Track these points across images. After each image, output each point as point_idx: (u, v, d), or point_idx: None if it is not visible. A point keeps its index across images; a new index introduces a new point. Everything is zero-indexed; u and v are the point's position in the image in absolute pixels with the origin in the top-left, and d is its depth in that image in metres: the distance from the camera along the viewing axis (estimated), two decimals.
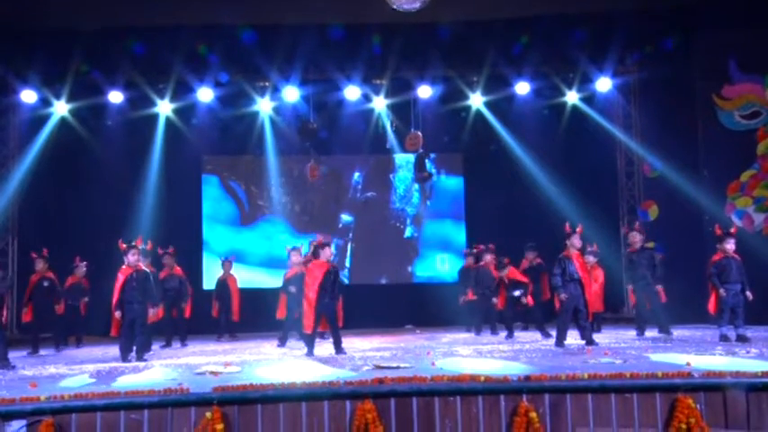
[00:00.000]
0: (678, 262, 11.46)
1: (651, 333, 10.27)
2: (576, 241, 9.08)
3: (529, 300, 10.85)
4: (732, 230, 9.57)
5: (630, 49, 13.13)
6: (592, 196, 13.38)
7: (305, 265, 10.54)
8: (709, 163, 12.46)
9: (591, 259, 10.86)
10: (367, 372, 6.51)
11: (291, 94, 13.42)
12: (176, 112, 13.75)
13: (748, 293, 9.16)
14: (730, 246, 9.30)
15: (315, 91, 13.54)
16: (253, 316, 12.48)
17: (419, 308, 13.64)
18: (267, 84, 13.59)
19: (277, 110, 13.99)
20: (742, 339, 8.81)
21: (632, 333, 10.52)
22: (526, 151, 13.88)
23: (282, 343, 10.35)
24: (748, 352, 7.56)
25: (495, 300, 11.41)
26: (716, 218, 11.66)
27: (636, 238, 10.48)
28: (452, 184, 15.06)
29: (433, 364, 7.01)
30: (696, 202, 12.33)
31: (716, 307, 9.33)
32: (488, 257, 11.62)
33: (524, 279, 11.04)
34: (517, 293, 10.84)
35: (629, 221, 14.16)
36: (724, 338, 8.97)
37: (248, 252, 14.49)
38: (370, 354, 8.44)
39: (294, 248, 10.98)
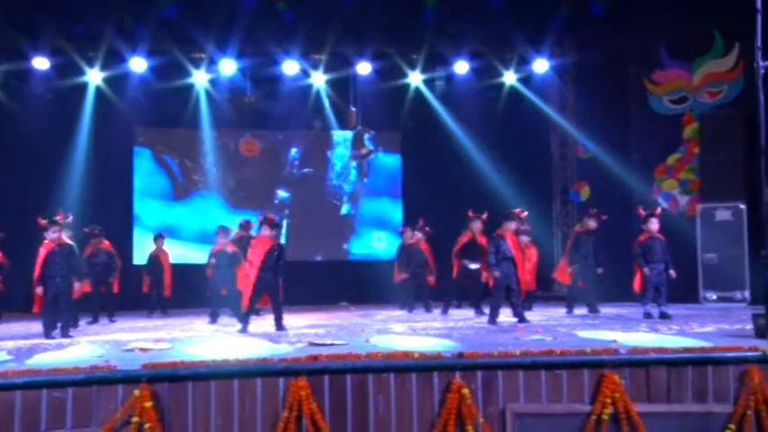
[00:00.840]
0: (607, 242, 11.71)
1: (580, 311, 10.50)
2: (509, 225, 9.18)
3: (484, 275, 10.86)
4: (656, 211, 9.79)
5: (566, 30, 13.30)
6: (527, 176, 13.61)
7: (233, 243, 10.61)
8: (639, 146, 12.79)
9: (524, 238, 10.87)
10: (301, 349, 6.43)
11: (228, 66, 13.11)
12: (107, 81, 13.23)
13: (672, 272, 9.41)
14: (654, 225, 9.52)
15: (252, 64, 13.27)
16: (185, 292, 12.23)
17: (354, 285, 13.62)
18: (203, 56, 13.23)
19: (213, 83, 13.62)
20: (664, 317, 9.07)
21: (562, 311, 10.73)
22: (464, 130, 13.94)
23: (214, 319, 10.20)
24: (670, 329, 7.78)
25: (431, 276, 11.46)
26: (644, 200, 11.98)
27: (593, 223, 10.59)
28: (390, 161, 15.02)
29: (367, 341, 6.99)
30: (626, 184, 12.62)
31: (640, 286, 9.59)
32: (418, 235, 11.66)
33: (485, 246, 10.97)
34: (474, 266, 10.82)
35: (562, 202, 14.46)
36: (647, 316, 9.22)
37: (181, 227, 14.20)
38: (304, 331, 8.37)
39: (223, 228, 10.83)
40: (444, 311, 10.80)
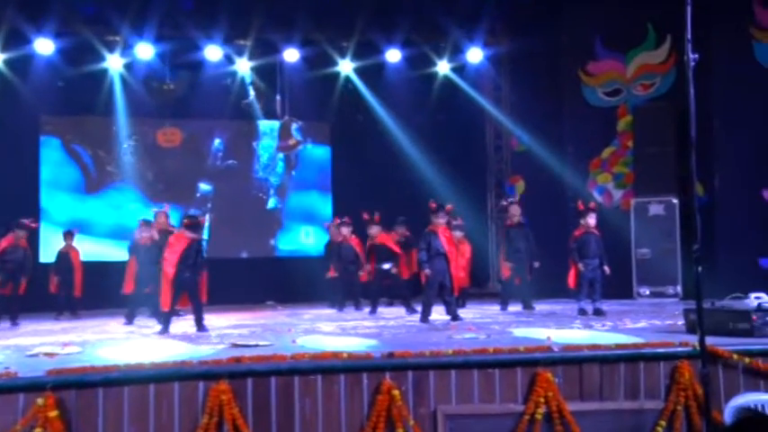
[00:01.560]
0: (542, 237, 11.94)
1: (514, 308, 10.66)
2: (439, 219, 9.14)
3: (404, 272, 10.91)
4: (591, 205, 9.99)
5: (500, 19, 13.49)
6: (460, 169, 13.68)
7: (152, 236, 10.44)
8: (574, 139, 13.01)
9: (458, 234, 11.06)
10: (223, 350, 6.33)
11: (145, 51, 12.79)
12: (9, 64, 12.66)
13: (606, 268, 9.55)
14: (591, 221, 9.70)
15: (171, 49, 12.99)
16: (98, 292, 11.82)
17: (281, 283, 13.51)
18: (117, 38, 12.85)
19: (129, 68, 13.25)
20: (598, 313, 9.22)
21: (496, 308, 10.87)
22: (396, 121, 13.99)
23: (130, 320, 9.96)
24: (604, 325, 7.92)
25: (360, 272, 11.54)
26: (579, 193, 12.13)
27: (515, 212, 10.69)
28: (319, 153, 14.95)
29: (294, 341, 6.94)
30: (560, 178, 12.87)
31: (575, 281, 9.71)
32: (345, 231, 11.71)
33: (396, 249, 11.13)
34: (387, 266, 10.88)
35: (497, 195, 14.61)
36: (582, 312, 9.35)
37: (94, 222, 13.77)
38: (227, 332, 8.27)
39: (145, 221, 10.65)
40: (373, 311, 10.81)
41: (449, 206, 9.38)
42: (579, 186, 12.74)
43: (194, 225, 8.83)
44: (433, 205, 9.27)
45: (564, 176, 12.85)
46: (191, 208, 13.82)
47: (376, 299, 11.01)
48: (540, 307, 10.78)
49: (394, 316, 10.21)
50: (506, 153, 14.67)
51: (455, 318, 9.02)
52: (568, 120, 13.12)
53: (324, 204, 14.86)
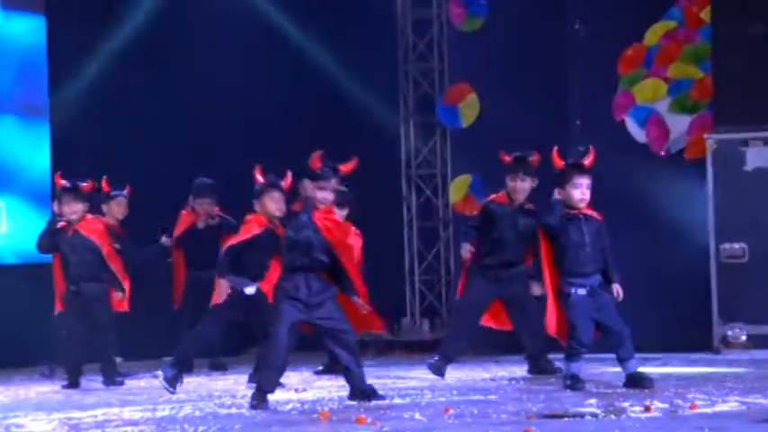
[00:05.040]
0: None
1: (456, 374, 10.61)
2: (321, 191, 8.88)
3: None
4: (584, 161, 9.53)
5: None
6: (343, 74, 13.86)
7: None
8: (586, 6, 12.76)
9: (337, 214, 10.31)
10: None
11: None
12: None
13: (616, 289, 9.26)
14: (579, 191, 9.32)
15: None
16: None
17: None
18: None
19: None
20: (636, 382, 9.02)
21: (426, 373, 10.57)
22: None
23: None
24: (648, 407, 7.46)
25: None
26: (593, 123, 12.12)
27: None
28: (20, 31, 14.13)
29: None
30: (555, 89, 12.86)
31: (557, 321, 9.59)
32: (117, 203, 12.03)
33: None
34: (250, 290, 10.72)
35: (423, 129, 14.50)
36: (573, 381, 9.21)
37: None
38: None
39: None
40: (173, 380, 10.02)
41: (348, 166, 9.18)
42: (595, 107, 12.44)
43: None
44: (318, 164, 8.93)
45: (563, 85, 12.66)
46: None
47: (181, 357, 10.41)
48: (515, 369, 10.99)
49: (203, 392, 9.94)
50: (439, 35, 14.07)
51: (358, 394, 8.56)
52: None
53: (36, 147, 13.98)
